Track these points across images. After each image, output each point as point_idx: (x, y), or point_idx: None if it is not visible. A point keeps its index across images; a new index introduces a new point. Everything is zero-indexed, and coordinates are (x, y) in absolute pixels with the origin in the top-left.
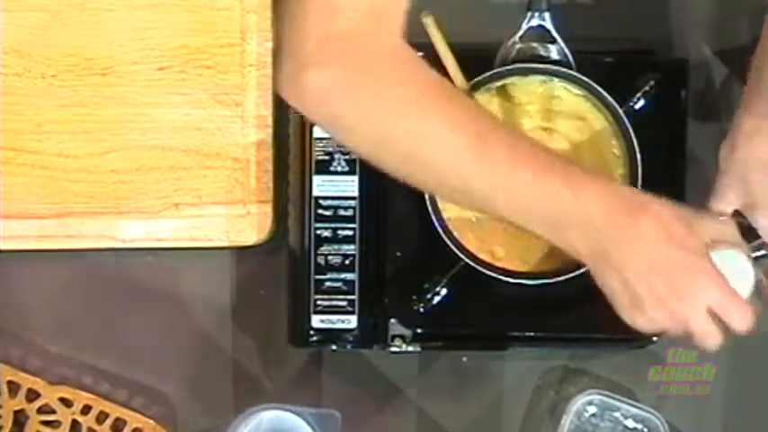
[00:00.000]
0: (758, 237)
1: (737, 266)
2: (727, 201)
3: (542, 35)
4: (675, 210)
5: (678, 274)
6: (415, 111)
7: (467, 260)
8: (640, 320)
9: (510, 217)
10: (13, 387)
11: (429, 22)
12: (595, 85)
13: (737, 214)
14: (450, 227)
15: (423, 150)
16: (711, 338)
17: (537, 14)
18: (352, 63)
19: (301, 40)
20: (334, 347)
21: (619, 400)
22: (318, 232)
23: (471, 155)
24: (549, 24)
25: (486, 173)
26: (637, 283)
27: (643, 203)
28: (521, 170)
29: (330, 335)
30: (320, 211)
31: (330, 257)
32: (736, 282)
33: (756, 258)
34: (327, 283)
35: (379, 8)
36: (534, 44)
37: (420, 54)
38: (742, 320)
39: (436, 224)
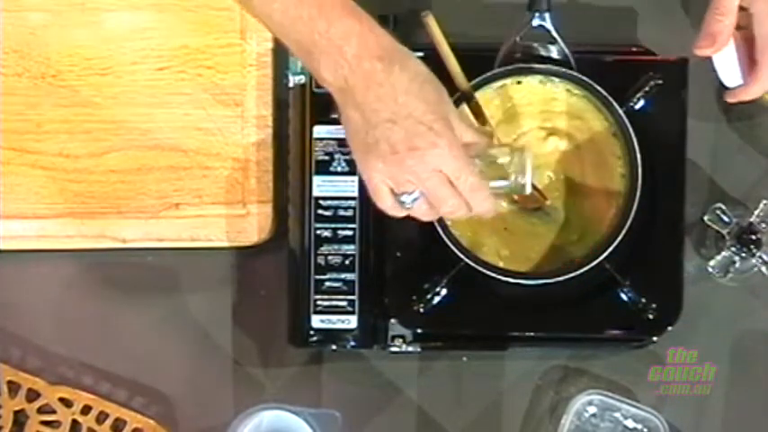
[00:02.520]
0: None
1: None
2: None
3: (542, 35)
4: (435, 80)
5: (419, 132)
6: None
7: (467, 260)
8: (373, 165)
9: (272, 30)
10: (13, 387)
11: (429, 22)
12: (595, 85)
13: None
14: (451, 227)
15: None
16: (450, 206)
17: (537, 14)
18: None
19: None
20: (334, 347)
21: (619, 400)
22: (318, 232)
23: None
24: (549, 24)
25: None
26: (377, 125)
27: (403, 57)
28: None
29: (330, 335)
30: (320, 211)
31: (330, 257)
32: None
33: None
34: (327, 283)
35: None
36: (534, 44)
37: (420, 54)
38: (478, 197)
39: (436, 224)
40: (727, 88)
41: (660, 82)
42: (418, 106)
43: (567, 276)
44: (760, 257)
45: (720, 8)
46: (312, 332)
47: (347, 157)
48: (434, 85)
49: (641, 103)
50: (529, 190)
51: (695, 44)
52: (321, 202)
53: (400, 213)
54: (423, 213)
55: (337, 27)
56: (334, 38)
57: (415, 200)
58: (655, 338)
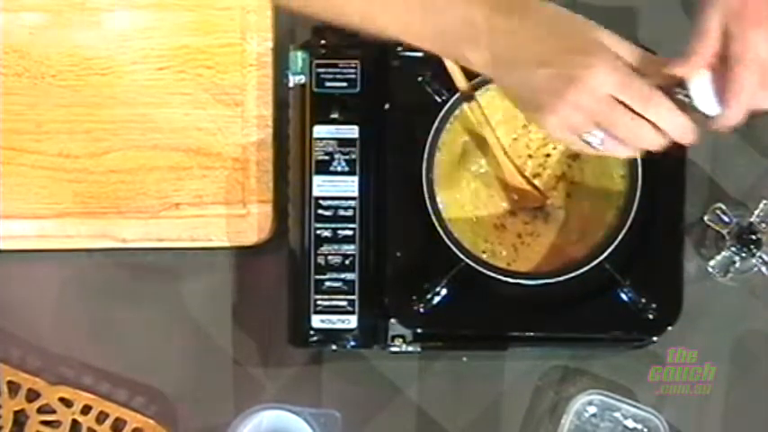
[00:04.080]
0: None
1: None
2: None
3: None
4: (557, 7)
5: (567, 63)
6: None
7: (467, 260)
8: (549, 122)
9: (399, 37)
10: (13, 387)
11: None
12: None
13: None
14: (450, 227)
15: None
16: (633, 130)
17: None
18: None
19: None
20: (334, 347)
21: (619, 400)
22: (318, 232)
23: None
24: None
25: None
26: (529, 79)
27: (524, 2)
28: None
29: (330, 335)
30: (320, 211)
31: (330, 257)
32: None
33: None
34: (327, 283)
35: None
36: None
37: (420, 54)
38: (660, 112)
39: (436, 224)
40: (708, 117)
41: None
42: (556, 40)
43: (567, 276)
44: (760, 257)
45: (699, 30)
46: (312, 332)
47: (347, 157)
48: (565, 14)
49: None
50: (715, 111)
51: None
52: (321, 202)
53: (606, 153)
54: (616, 149)
55: (459, 4)
56: (461, 17)
57: (601, 139)
58: (655, 338)
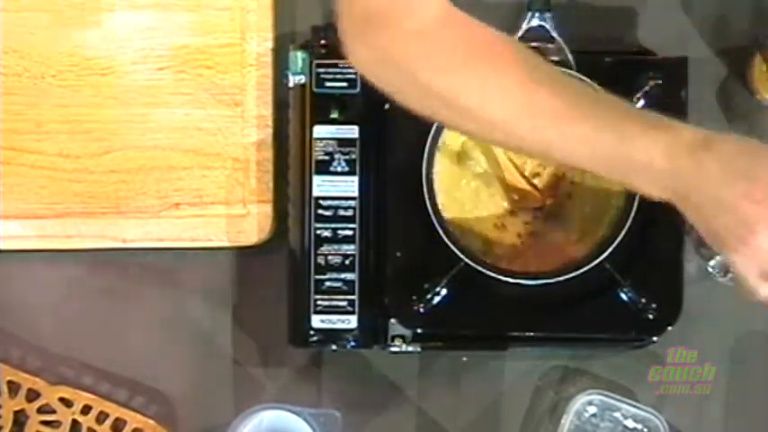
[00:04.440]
0: None
1: None
2: None
3: (542, 35)
4: (740, 142)
5: (750, 211)
6: (464, 69)
7: (467, 260)
8: (734, 259)
9: (571, 167)
10: (13, 387)
11: None
12: (595, 85)
13: None
14: (450, 227)
15: (475, 107)
16: None
17: (537, 14)
18: (393, 41)
19: (342, 9)
20: (334, 347)
21: (619, 400)
22: (318, 232)
23: (526, 112)
24: (548, 24)
25: (542, 129)
26: (712, 221)
27: (705, 142)
28: (578, 125)
29: (330, 335)
30: (320, 211)
31: (330, 257)
32: None
33: None
34: (327, 283)
35: None
36: (534, 44)
37: None
38: None
39: (436, 224)
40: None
41: (660, 82)
42: (736, 185)
43: (567, 276)
44: None
45: None
46: (312, 332)
47: (347, 157)
48: (748, 147)
49: (641, 103)
50: None
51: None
52: (321, 202)
53: None
54: None
55: (638, 144)
56: (640, 157)
57: None
58: (655, 338)
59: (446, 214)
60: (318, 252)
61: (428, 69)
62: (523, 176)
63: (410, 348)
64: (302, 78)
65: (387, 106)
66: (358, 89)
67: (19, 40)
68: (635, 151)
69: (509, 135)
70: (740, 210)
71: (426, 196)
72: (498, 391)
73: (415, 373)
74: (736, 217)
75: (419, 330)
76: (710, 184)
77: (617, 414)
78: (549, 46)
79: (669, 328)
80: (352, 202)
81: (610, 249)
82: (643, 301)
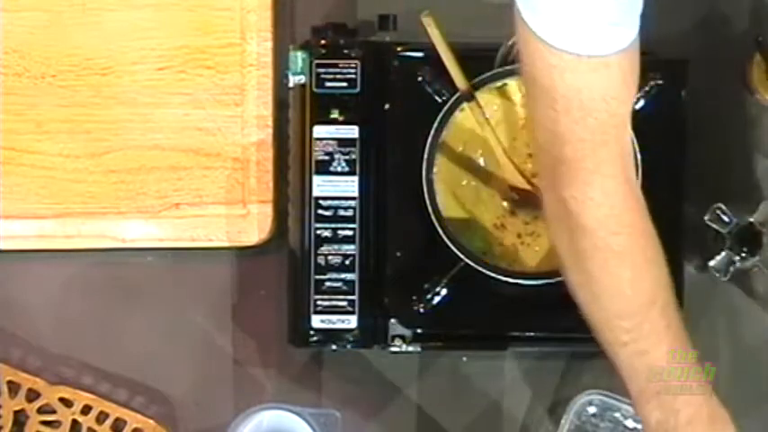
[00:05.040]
0: None
1: None
2: None
3: None
4: None
5: None
6: (613, 264)
7: (467, 260)
8: None
9: (620, 364)
10: (13, 387)
11: (429, 22)
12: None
13: None
14: (450, 227)
15: (601, 299)
16: None
17: None
18: (573, 195)
19: (538, 159)
20: (334, 347)
21: (619, 400)
22: (318, 232)
23: (633, 316)
24: None
25: (627, 351)
26: None
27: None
28: (654, 355)
29: (330, 335)
30: (320, 211)
31: (330, 257)
32: None
33: None
34: (327, 283)
35: (603, 139)
36: None
37: (420, 54)
38: None
39: (436, 224)
40: None
41: (660, 82)
42: None
43: None
44: (760, 257)
45: None
46: (312, 332)
47: (347, 157)
48: None
49: (641, 103)
50: None
51: None
52: (321, 202)
53: None
54: None
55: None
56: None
57: None
58: None
59: (446, 214)
60: (318, 252)
61: (594, 243)
62: (523, 176)
63: (410, 348)
64: (302, 78)
65: (387, 106)
66: (358, 89)
67: (19, 40)
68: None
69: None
70: None
71: (426, 196)
72: (498, 391)
73: (415, 373)
74: None
75: (419, 330)
76: None
77: (617, 414)
78: None
79: None
80: (352, 202)
81: None
82: None
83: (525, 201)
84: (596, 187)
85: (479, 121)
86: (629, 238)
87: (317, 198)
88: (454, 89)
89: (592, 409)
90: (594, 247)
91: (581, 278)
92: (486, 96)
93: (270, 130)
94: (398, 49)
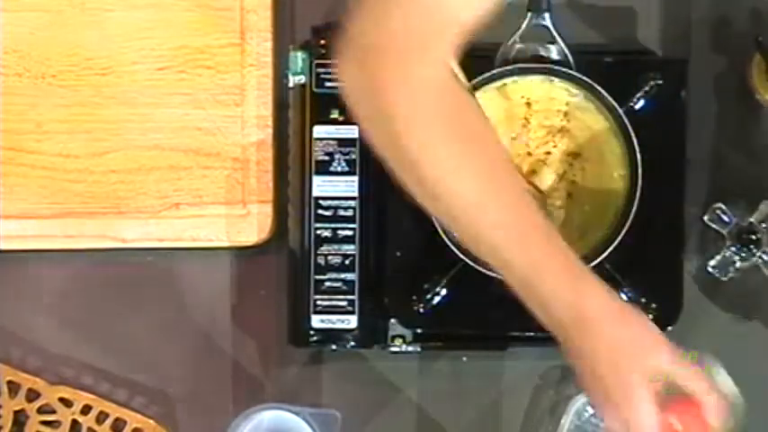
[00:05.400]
0: None
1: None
2: None
3: (542, 35)
4: (645, 332)
5: (616, 389)
6: (445, 147)
7: (467, 260)
8: (609, 420)
9: (504, 276)
10: (13, 387)
11: None
12: (595, 85)
13: None
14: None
15: (433, 180)
16: None
17: (537, 14)
18: (385, 80)
19: (353, 29)
20: (334, 347)
21: None
22: (318, 232)
23: (485, 206)
24: (549, 24)
25: (501, 250)
26: (590, 374)
27: (623, 314)
28: (535, 259)
29: (330, 335)
30: (320, 211)
31: (330, 257)
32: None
33: None
34: (327, 283)
35: (427, 31)
36: (534, 44)
37: None
38: None
39: (436, 224)
40: None
41: (660, 82)
42: (623, 364)
43: None
44: (760, 257)
45: None
46: (312, 332)
47: (347, 157)
48: (642, 339)
49: (641, 103)
50: None
51: None
52: (321, 202)
53: None
54: None
55: (589, 299)
56: (583, 307)
57: None
58: None
59: None
60: (318, 252)
61: (412, 126)
62: (523, 176)
63: (410, 348)
64: (302, 78)
65: None
66: None
67: (19, 40)
68: (577, 309)
69: (451, 211)
70: (618, 382)
71: None
72: (498, 391)
73: (415, 373)
74: (609, 385)
75: (419, 330)
76: (604, 349)
77: None
78: (549, 46)
79: (669, 328)
80: (352, 202)
81: (610, 249)
82: (643, 301)
83: None
84: (413, 73)
85: None
86: (448, 124)
87: (317, 198)
88: None
89: (592, 409)
90: (408, 133)
91: (408, 175)
92: (486, 96)
93: (270, 130)
94: None
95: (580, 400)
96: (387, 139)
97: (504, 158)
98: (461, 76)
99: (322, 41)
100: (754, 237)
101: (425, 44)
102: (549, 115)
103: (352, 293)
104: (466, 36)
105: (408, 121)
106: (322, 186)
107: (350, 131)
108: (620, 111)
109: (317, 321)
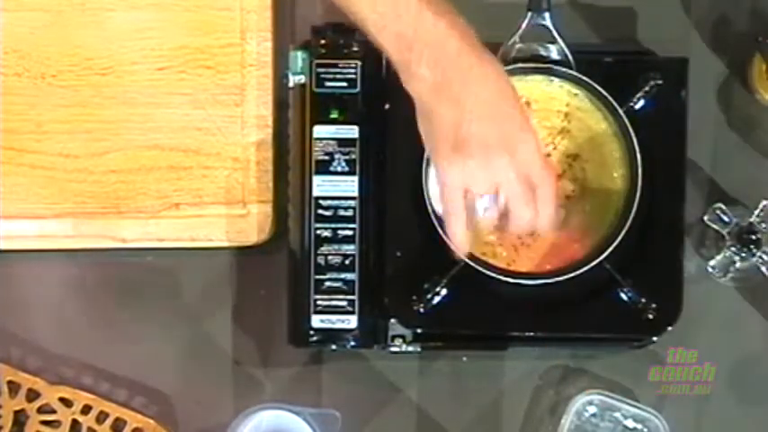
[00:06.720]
0: None
1: None
2: None
3: (542, 35)
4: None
5: (512, 130)
6: None
7: (467, 260)
8: (458, 164)
9: (368, 23)
10: (13, 387)
11: None
12: (595, 85)
13: None
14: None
15: None
16: (523, 216)
17: (537, 14)
18: None
19: None
20: (334, 347)
21: (619, 400)
22: (318, 232)
23: None
24: (549, 24)
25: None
26: (471, 121)
27: (491, 57)
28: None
29: (330, 335)
30: (320, 211)
31: (330, 257)
32: None
33: None
34: (327, 283)
35: None
36: (534, 44)
37: None
38: (547, 210)
39: (436, 224)
40: None
41: (660, 82)
42: (511, 104)
43: (567, 276)
44: (760, 257)
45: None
46: (312, 332)
47: (347, 157)
48: (513, 86)
49: (641, 103)
50: None
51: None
52: (321, 202)
53: (462, 224)
54: (488, 224)
55: (442, 21)
56: (439, 31)
57: (486, 209)
58: (655, 338)
59: None
60: (318, 252)
61: None
62: None
63: (410, 348)
64: (302, 78)
65: (387, 106)
66: (358, 89)
67: (19, 40)
68: (439, 24)
69: None
70: (510, 122)
71: (426, 196)
72: (498, 391)
73: (415, 373)
74: (502, 126)
75: (419, 330)
76: (490, 86)
77: (617, 414)
78: (549, 46)
79: (669, 328)
80: (352, 202)
81: (610, 249)
82: (643, 301)
83: None
84: None
85: None
86: None
87: (317, 198)
88: None
89: (592, 409)
90: None
91: None
92: None
93: (270, 130)
94: None
95: (580, 401)
96: None
97: None
98: None
99: (322, 41)
100: (754, 237)
101: None
102: (550, 116)
103: (352, 293)
104: None
105: None
106: (322, 186)
107: (350, 131)
108: (621, 111)
109: (316, 321)
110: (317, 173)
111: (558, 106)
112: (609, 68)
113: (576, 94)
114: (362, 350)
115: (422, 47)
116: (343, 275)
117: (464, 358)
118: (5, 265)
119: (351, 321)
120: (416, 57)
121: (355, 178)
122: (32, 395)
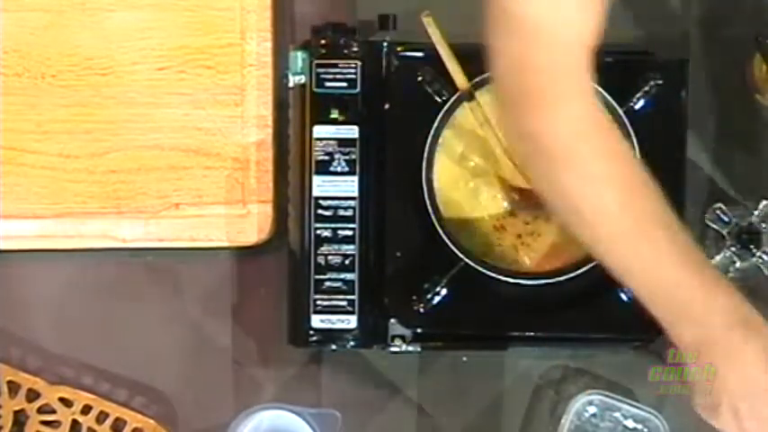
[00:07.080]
0: None
1: None
2: None
3: None
4: None
5: (762, 404)
6: (599, 190)
7: (467, 260)
8: (714, 422)
9: (637, 290)
10: (13, 387)
11: (429, 22)
12: (595, 85)
13: None
14: (450, 227)
15: (585, 213)
16: None
17: None
18: (545, 127)
19: (498, 96)
20: (334, 347)
21: (619, 400)
22: (318, 232)
23: (628, 235)
24: None
25: (634, 254)
26: (722, 392)
27: (758, 326)
28: (666, 268)
29: (330, 335)
30: (320, 211)
31: (330, 257)
32: None
33: None
34: (327, 283)
35: (566, 65)
36: None
37: (420, 54)
38: None
39: (436, 224)
40: None
41: (660, 82)
42: (764, 378)
43: (566, 276)
44: (760, 257)
45: None
46: (312, 332)
47: (347, 157)
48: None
49: (641, 103)
50: None
51: None
52: (321, 202)
53: None
54: None
55: (712, 300)
56: (708, 309)
57: None
58: (655, 338)
59: (446, 214)
60: (318, 252)
61: (571, 170)
62: (523, 176)
63: (410, 348)
64: (302, 78)
65: (387, 106)
66: (358, 89)
67: (19, 40)
68: (705, 311)
69: (600, 245)
70: (762, 396)
71: (426, 196)
72: (498, 391)
73: (415, 373)
74: (753, 401)
75: (419, 330)
76: (747, 360)
77: (617, 414)
78: None
79: None
80: (352, 202)
81: None
82: None
83: (525, 201)
84: (562, 115)
85: (479, 121)
86: (608, 161)
87: (317, 198)
88: (454, 89)
89: (592, 409)
90: (576, 176)
91: (575, 218)
92: (486, 96)
93: (270, 130)
94: (398, 49)
95: (580, 400)
96: (549, 184)
97: (650, 181)
98: (461, 78)
99: (322, 41)
100: (754, 237)
101: (562, 81)
102: None
103: (352, 293)
104: (593, 49)
105: (568, 164)
106: (322, 186)
107: (350, 131)
108: (620, 111)
109: (316, 321)
110: (317, 173)
111: None
112: (609, 68)
113: None
114: (362, 350)
115: (687, 324)
116: (343, 275)
117: (464, 358)
118: (5, 265)
119: (351, 321)
120: (680, 331)
121: (355, 178)
122: (32, 395)
